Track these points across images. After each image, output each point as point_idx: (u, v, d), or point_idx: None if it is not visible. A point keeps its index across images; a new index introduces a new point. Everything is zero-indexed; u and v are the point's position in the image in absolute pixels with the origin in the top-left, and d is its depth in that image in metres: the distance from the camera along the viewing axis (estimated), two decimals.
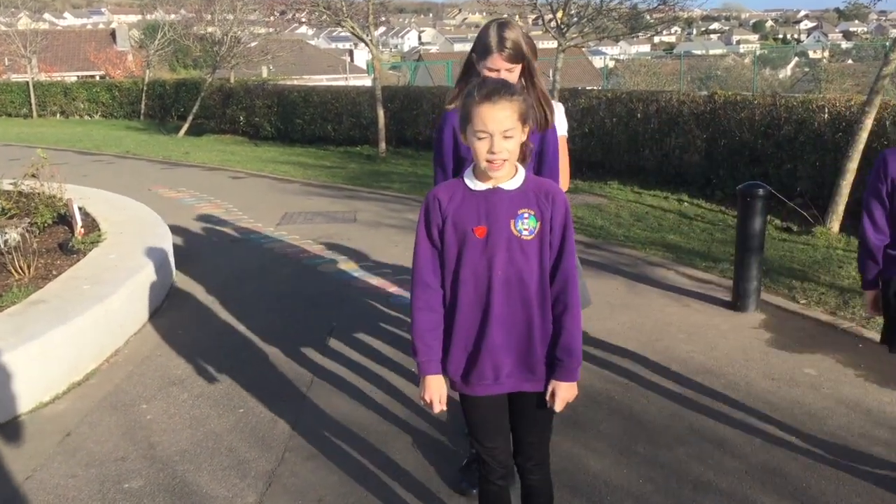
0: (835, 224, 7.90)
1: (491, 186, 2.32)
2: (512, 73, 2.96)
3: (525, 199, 2.32)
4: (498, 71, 2.93)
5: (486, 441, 2.51)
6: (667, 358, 4.71)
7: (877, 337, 4.95)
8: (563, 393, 2.39)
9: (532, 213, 2.31)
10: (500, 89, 2.23)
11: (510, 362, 2.39)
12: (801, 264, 6.71)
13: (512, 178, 2.33)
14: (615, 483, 3.36)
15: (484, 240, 2.31)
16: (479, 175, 2.33)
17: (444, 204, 2.34)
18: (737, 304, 5.55)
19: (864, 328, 5.14)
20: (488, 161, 2.24)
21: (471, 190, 2.34)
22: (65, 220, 7.01)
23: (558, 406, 2.40)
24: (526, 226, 2.31)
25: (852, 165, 7.79)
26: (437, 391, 2.42)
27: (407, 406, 4.12)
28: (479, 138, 2.23)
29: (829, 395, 4.17)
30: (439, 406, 2.43)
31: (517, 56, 2.95)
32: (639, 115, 11.40)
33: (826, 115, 8.89)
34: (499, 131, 2.21)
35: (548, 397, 2.41)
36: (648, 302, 5.76)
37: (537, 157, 3.04)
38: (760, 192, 5.37)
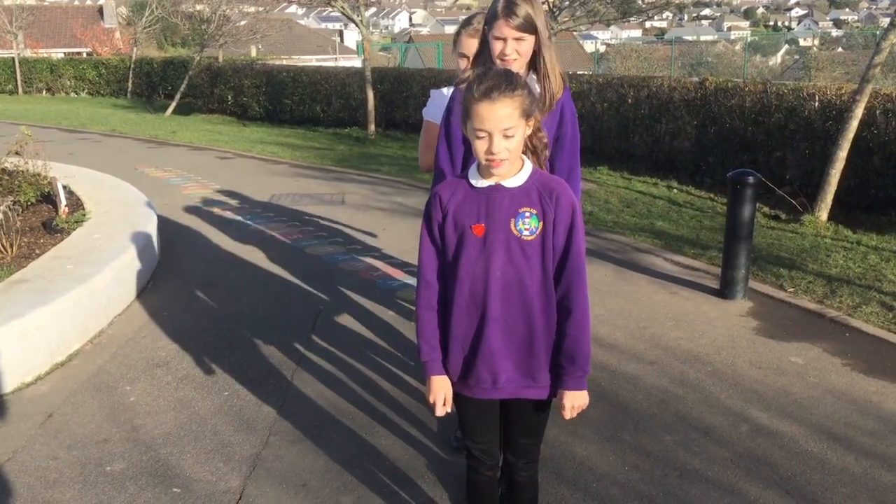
0: (823, 213, 7.90)
1: (493, 183, 2.24)
2: (521, 45, 2.74)
3: (527, 198, 2.23)
4: (504, 40, 2.73)
5: (476, 438, 2.47)
6: (654, 345, 4.70)
7: (864, 326, 5.00)
8: (570, 401, 2.32)
9: (534, 212, 2.22)
10: (500, 84, 2.13)
11: (510, 367, 2.30)
12: (789, 252, 6.71)
13: (516, 173, 2.24)
14: (601, 470, 3.35)
15: (482, 238, 2.23)
16: (483, 171, 2.26)
17: (445, 200, 2.28)
18: (724, 291, 5.54)
19: (851, 317, 5.15)
20: (488, 160, 2.18)
21: (473, 187, 2.27)
22: (49, 198, 6.92)
23: (567, 414, 2.34)
24: (527, 225, 2.22)
25: (842, 154, 7.79)
26: (441, 391, 2.34)
27: (393, 391, 4.10)
28: (479, 137, 2.16)
29: (816, 385, 4.17)
30: (443, 409, 2.35)
31: (527, 26, 2.71)
32: (629, 100, 11.36)
33: (816, 104, 8.88)
34: (498, 130, 2.12)
35: (558, 403, 2.35)
36: (637, 289, 5.75)
37: (554, 142, 2.89)
38: (750, 179, 5.36)
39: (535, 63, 2.82)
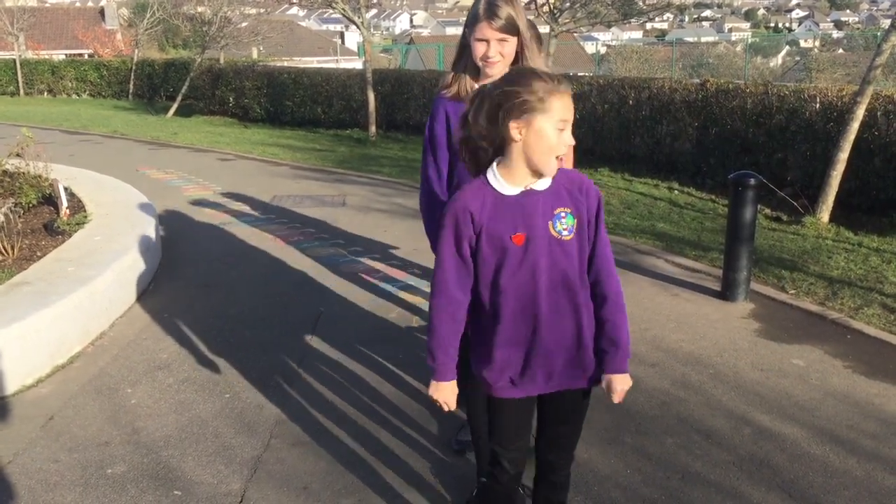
0: (824, 214, 7.89)
1: (523, 189, 2.18)
2: (504, 47, 2.73)
3: (559, 198, 2.20)
4: (487, 42, 2.71)
5: (512, 442, 2.42)
6: (656, 347, 4.69)
7: (865, 328, 4.99)
8: (618, 385, 2.30)
9: (569, 210, 2.19)
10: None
11: (561, 362, 2.29)
12: (791, 254, 6.71)
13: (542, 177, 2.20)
14: (603, 473, 3.34)
15: (523, 247, 2.18)
16: (507, 176, 2.18)
17: (477, 215, 2.18)
18: (726, 293, 5.54)
19: (853, 319, 5.14)
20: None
21: (501, 195, 2.18)
22: (50, 200, 6.93)
23: (616, 398, 2.32)
24: (564, 225, 2.19)
25: (843, 156, 7.78)
26: (450, 395, 2.34)
27: (395, 393, 4.10)
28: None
29: (818, 387, 4.16)
30: (447, 407, 2.36)
31: (509, 27, 2.70)
32: (630, 101, 11.35)
33: (818, 105, 8.87)
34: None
35: (605, 389, 2.34)
36: (638, 290, 5.74)
37: None
38: (752, 181, 5.35)
39: (517, 64, 2.82)
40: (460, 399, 2.42)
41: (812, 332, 4.96)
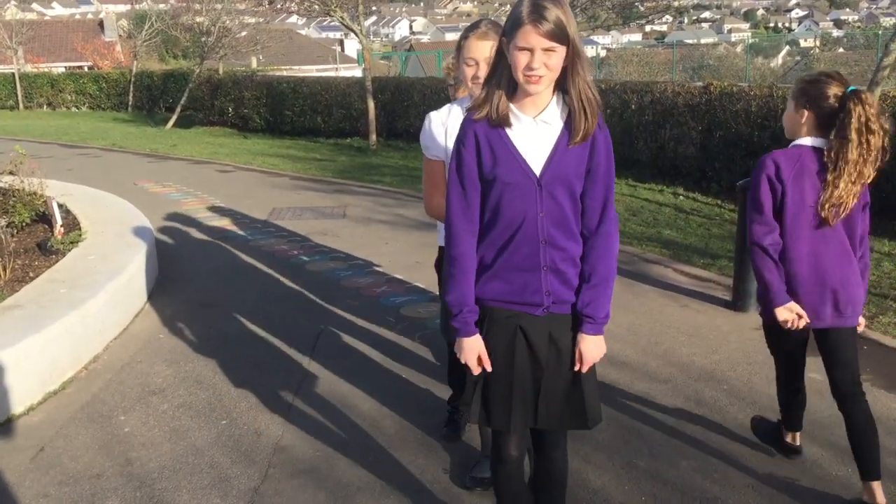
0: None
1: None
2: (551, 58, 2.19)
3: None
4: (532, 51, 2.17)
5: None
6: (667, 362, 4.55)
7: (882, 339, 4.84)
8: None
9: None
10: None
11: None
12: None
13: None
14: (617, 500, 3.19)
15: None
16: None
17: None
18: (737, 303, 5.39)
19: (869, 329, 4.98)
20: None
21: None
22: (45, 218, 6.80)
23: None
24: None
25: None
26: None
27: (399, 417, 3.94)
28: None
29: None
30: None
31: (559, 33, 2.17)
32: (633, 106, 11.22)
33: None
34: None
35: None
36: (647, 302, 5.59)
37: (585, 174, 2.33)
38: None
39: (563, 81, 2.28)
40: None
41: None
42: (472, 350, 2.36)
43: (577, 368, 2.37)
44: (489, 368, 2.36)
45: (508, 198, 2.27)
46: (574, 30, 2.19)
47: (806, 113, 3.04)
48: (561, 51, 2.17)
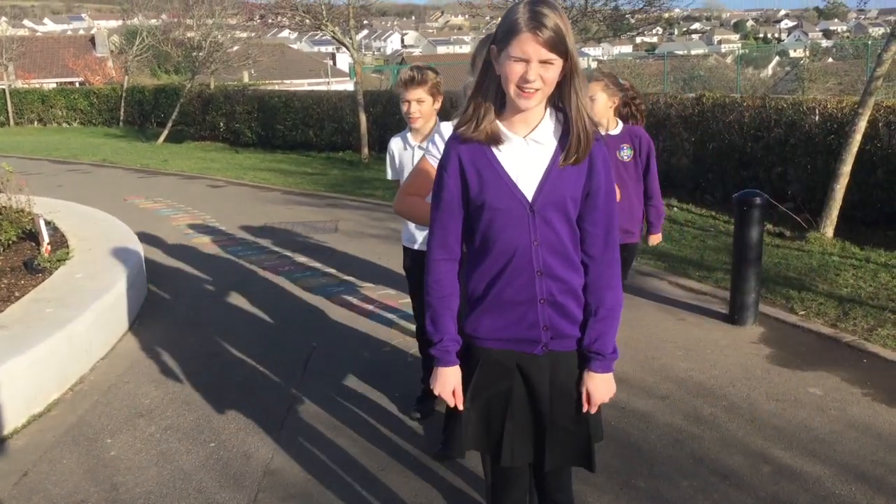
0: (829, 229, 7.70)
1: None
2: (548, 71, 1.98)
3: None
4: (528, 62, 1.96)
5: None
6: (664, 377, 4.47)
7: (882, 351, 4.78)
8: None
9: None
10: None
11: None
12: (797, 272, 6.50)
13: None
14: None
15: None
16: None
17: None
18: (734, 317, 5.32)
19: (867, 342, 4.93)
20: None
21: None
22: (32, 235, 6.69)
23: None
24: None
25: (846, 169, 7.59)
26: None
27: (393, 437, 3.85)
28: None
29: (837, 418, 3.94)
30: None
31: (557, 43, 1.96)
32: None
33: (817, 117, 8.70)
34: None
35: None
36: (642, 315, 5.52)
37: (583, 199, 2.13)
38: (758, 200, 5.15)
39: (558, 98, 2.09)
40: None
41: (826, 356, 4.74)
42: (449, 382, 2.19)
43: (584, 410, 2.20)
44: (461, 407, 2.19)
45: (499, 225, 2.08)
46: (573, 42, 2.00)
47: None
48: (558, 64, 1.98)
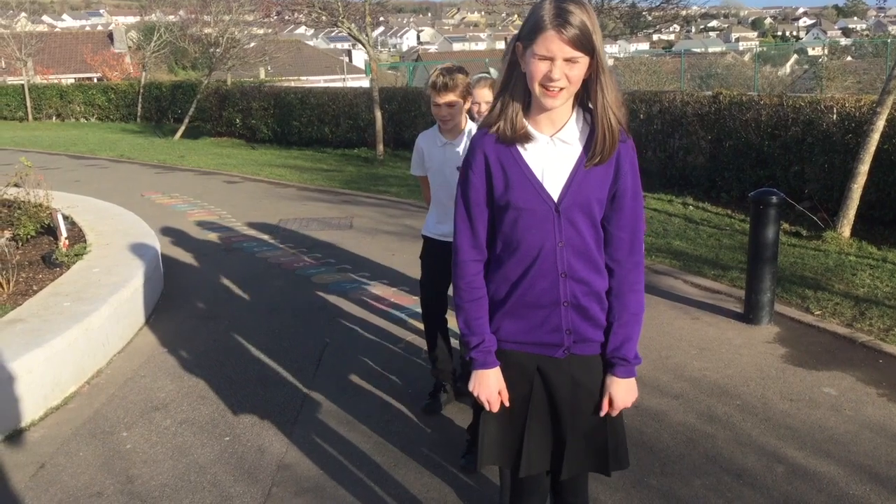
0: (846, 228, 7.64)
1: None
2: (573, 69, 1.94)
3: None
4: (552, 60, 1.92)
5: None
6: (678, 377, 4.46)
7: None
8: None
9: None
10: None
11: None
12: (813, 272, 6.46)
13: None
14: None
15: None
16: None
17: None
18: (749, 316, 5.30)
19: (884, 342, 4.89)
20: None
21: None
22: (50, 230, 6.76)
23: None
24: None
25: (863, 168, 7.54)
26: None
27: (406, 432, 3.87)
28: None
29: (852, 418, 3.92)
30: None
31: (584, 40, 1.91)
32: (641, 115, 11.14)
33: (835, 116, 8.64)
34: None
35: None
36: (657, 314, 5.51)
37: (609, 200, 2.09)
38: (774, 199, 5.12)
39: (584, 97, 2.06)
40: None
41: (841, 356, 4.72)
42: (493, 385, 2.13)
43: (603, 413, 2.15)
44: (507, 404, 2.15)
45: (524, 226, 2.04)
46: (600, 39, 1.93)
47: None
48: (584, 62, 1.94)
